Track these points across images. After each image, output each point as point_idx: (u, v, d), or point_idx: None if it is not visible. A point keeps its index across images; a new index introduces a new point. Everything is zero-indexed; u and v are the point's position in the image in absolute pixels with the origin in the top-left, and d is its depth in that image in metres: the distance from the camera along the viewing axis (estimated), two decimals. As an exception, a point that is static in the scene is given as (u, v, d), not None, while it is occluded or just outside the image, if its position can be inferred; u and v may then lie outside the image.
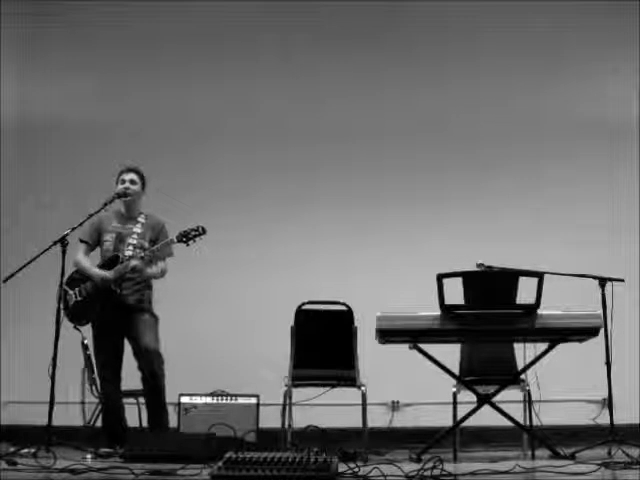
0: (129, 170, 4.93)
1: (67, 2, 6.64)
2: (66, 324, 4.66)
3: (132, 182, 4.89)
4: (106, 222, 4.90)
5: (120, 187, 4.88)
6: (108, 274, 4.68)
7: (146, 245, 4.80)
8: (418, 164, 6.55)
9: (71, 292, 4.77)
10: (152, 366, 4.65)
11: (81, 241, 4.88)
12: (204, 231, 4.67)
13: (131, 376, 4.81)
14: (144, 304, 4.82)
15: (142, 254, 4.70)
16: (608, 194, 6.35)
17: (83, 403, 5.46)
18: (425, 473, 3.42)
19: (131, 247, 4.79)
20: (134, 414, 5.02)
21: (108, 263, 4.76)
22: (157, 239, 4.85)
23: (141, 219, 4.91)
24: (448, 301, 4.32)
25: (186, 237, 4.65)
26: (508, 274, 4.51)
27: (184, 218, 5.10)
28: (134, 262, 4.65)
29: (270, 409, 5.02)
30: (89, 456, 4.28)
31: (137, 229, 4.86)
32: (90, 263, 4.81)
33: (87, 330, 4.96)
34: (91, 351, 5.16)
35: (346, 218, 6.46)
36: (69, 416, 5.05)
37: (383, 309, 4.38)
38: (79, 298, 4.75)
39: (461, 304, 4.36)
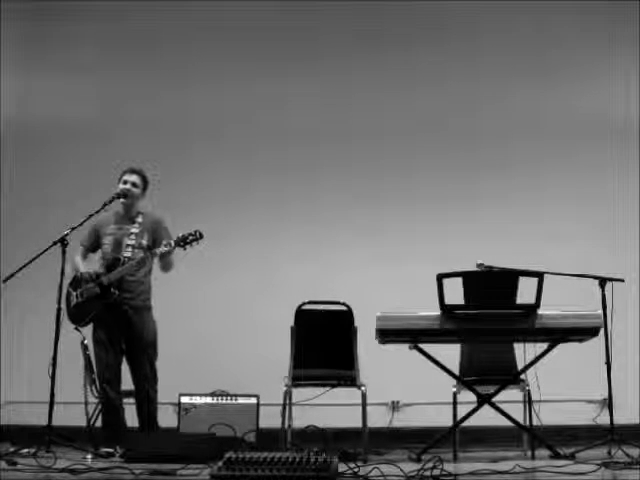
0: (132, 172, 4.92)
1: (67, 2, 6.64)
2: (66, 324, 4.66)
3: (134, 185, 4.90)
4: (105, 225, 4.92)
5: (121, 187, 4.88)
6: (104, 276, 4.72)
7: (144, 244, 4.80)
8: (418, 164, 6.54)
9: (74, 293, 4.79)
10: (143, 387, 4.77)
11: (81, 244, 4.94)
12: (201, 236, 4.66)
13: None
14: (144, 307, 4.83)
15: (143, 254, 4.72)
16: (608, 194, 6.33)
17: (83, 403, 5.44)
18: (425, 473, 3.43)
19: (130, 248, 4.79)
20: (134, 414, 5.01)
21: (109, 266, 4.78)
22: (157, 236, 4.85)
23: (139, 219, 4.91)
24: (448, 301, 4.32)
25: (184, 242, 4.65)
26: (508, 274, 4.51)
27: (184, 218, 5.11)
28: (139, 256, 4.68)
29: (270, 409, 5.01)
30: (89, 456, 4.29)
31: (134, 229, 4.85)
32: (84, 264, 4.88)
33: (87, 330, 4.96)
34: (91, 351, 5.16)
35: (346, 218, 6.45)
36: (69, 416, 5.03)
37: (383, 309, 4.38)
38: (80, 299, 4.77)
39: (461, 304, 4.36)
